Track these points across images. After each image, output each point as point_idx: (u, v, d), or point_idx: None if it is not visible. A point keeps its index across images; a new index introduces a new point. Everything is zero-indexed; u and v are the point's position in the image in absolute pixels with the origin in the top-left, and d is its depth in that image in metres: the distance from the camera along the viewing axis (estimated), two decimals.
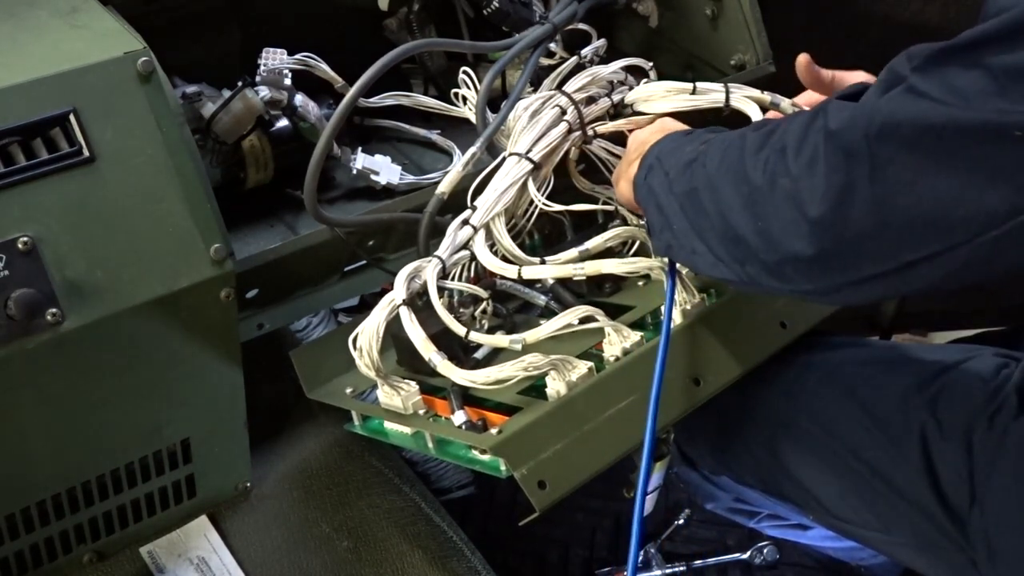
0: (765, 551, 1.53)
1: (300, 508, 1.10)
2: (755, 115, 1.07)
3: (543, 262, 1.02)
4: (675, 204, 0.90)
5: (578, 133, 1.11)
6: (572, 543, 1.60)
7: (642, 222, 1.07)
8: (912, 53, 0.74)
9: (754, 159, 0.82)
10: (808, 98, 1.12)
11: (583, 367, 0.94)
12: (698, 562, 1.54)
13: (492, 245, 1.02)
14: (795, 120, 0.80)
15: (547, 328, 0.95)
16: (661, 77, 1.18)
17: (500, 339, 0.95)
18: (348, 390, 1.06)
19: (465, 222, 1.02)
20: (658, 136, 1.03)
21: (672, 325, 0.97)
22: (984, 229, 0.70)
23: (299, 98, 1.12)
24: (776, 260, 0.80)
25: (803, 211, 0.76)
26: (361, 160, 1.13)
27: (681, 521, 1.59)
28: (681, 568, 1.53)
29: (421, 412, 0.98)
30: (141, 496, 1.03)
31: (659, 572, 1.52)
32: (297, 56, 1.11)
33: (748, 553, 1.54)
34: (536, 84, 1.19)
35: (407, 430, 0.99)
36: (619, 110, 1.15)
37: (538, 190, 1.05)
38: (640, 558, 1.55)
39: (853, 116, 0.74)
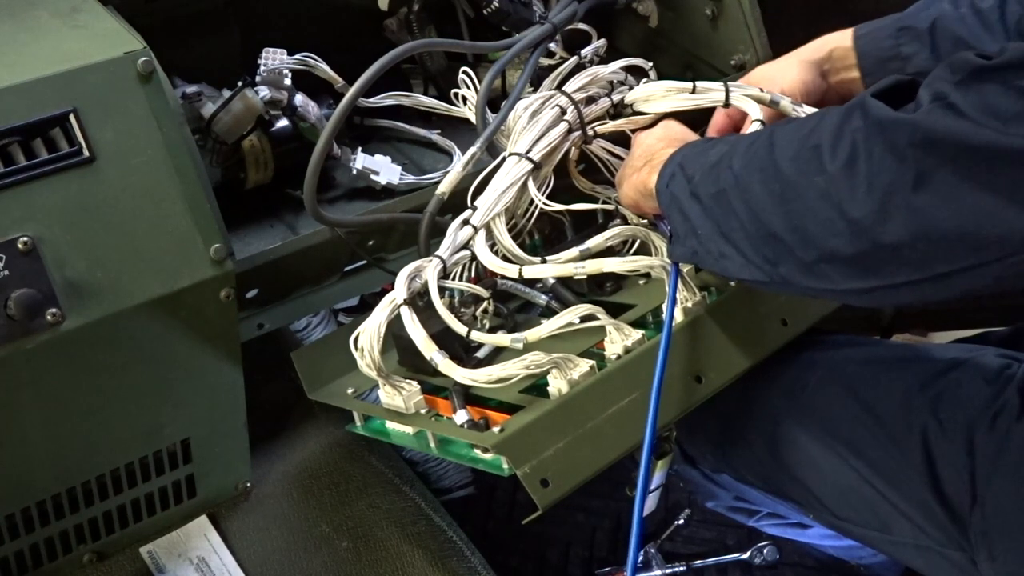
0: (765, 551, 1.53)
1: (300, 508, 1.10)
2: (755, 114, 1.07)
3: (544, 261, 1.02)
4: (700, 208, 0.89)
5: (578, 133, 1.11)
6: (572, 543, 1.60)
7: (643, 221, 1.07)
8: (955, 64, 0.73)
9: (785, 156, 0.81)
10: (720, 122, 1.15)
11: (585, 365, 0.94)
12: (698, 562, 1.54)
13: (492, 245, 1.02)
14: (827, 117, 0.80)
15: (548, 327, 0.95)
16: (661, 77, 1.18)
17: (501, 338, 0.95)
18: (349, 390, 1.06)
19: (465, 222, 1.02)
20: (663, 138, 1.03)
21: (673, 323, 0.97)
22: (1018, 250, 0.71)
23: (299, 98, 1.12)
24: (813, 258, 0.80)
25: (842, 210, 0.76)
26: (361, 160, 1.13)
27: (681, 521, 1.59)
28: (681, 568, 1.53)
29: (423, 412, 0.98)
30: (141, 496, 1.03)
31: (659, 572, 1.52)
32: (297, 56, 1.11)
33: (748, 553, 1.54)
34: (536, 84, 1.19)
35: (409, 430, 0.99)
36: (619, 110, 1.14)
37: (538, 190, 1.04)
38: (640, 558, 1.55)
39: (898, 120, 0.74)
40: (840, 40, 1.15)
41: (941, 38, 1.10)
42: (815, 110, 1.12)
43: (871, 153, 0.74)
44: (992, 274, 0.73)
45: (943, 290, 0.76)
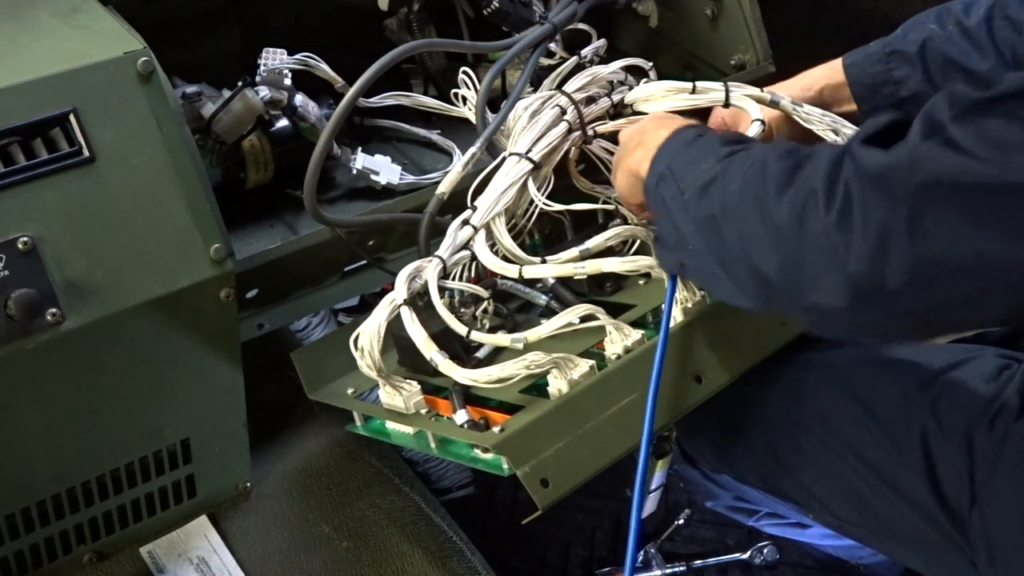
0: (765, 551, 1.53)
1: (300, 508, 1.10)
2: (755, 113, 1.07)
3: (544, 261, 1.01)
4: (692, 226, 0.87)
5: (578, 133, 1.11)
6: (572, 543, 1.60)
7: (643, 221, 1.07)
8: (953, 98, 0.71)
9: (779, 196, 0.78)
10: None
11: (585, 365, 0.94)
12: (698, 562, 1.54)
13: (492, 245, 1.02)
14: (820, 158, 0.77)
15: (548, 327, 0.95)
16: (661, 77, 1.18)
17: (501, 338, 0.95)
18: (349, 391, 1.06)
19: (465, 222, 1.02)
20: (654, 118, 1.01)
21: (673, 323, 0.97)
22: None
23: (299, 98, 1.12)
24: (808, 305, 0.78)
25: (838, 263, 0.73)
26: (361, 160, 1.13)
27: (681, 521, 1.59)
28: (681, 568, 1.53)
29: (423, 412, 0.98)
30: (141, 496, 1.03)
31: (659, 572, 1.52)
32: (297, 56, 1.11)
33: (748, 553, 1.54)
34: (536, 84, 1.19)
35: (409, 430, 0.99)
36: (619, 110, 1.14)
37: (538, 190, 1.04)
38: (640, 558, 1.55)
39: (891, 164, 0.72)
40: (829, 76, 1.16)
41: (931, 59, 1.10)
42: (817, 110, 1.12)
43: (865, 203, 0.72)
44: (997, 310, 0.72)
45: (945, 327, 0.75)
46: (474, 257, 1.02)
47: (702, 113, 1.15)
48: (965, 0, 1.12)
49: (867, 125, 0.79)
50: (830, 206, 0.74)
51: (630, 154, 0.99)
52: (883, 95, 1.13)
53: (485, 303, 1.05)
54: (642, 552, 1.55)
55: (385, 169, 1.14)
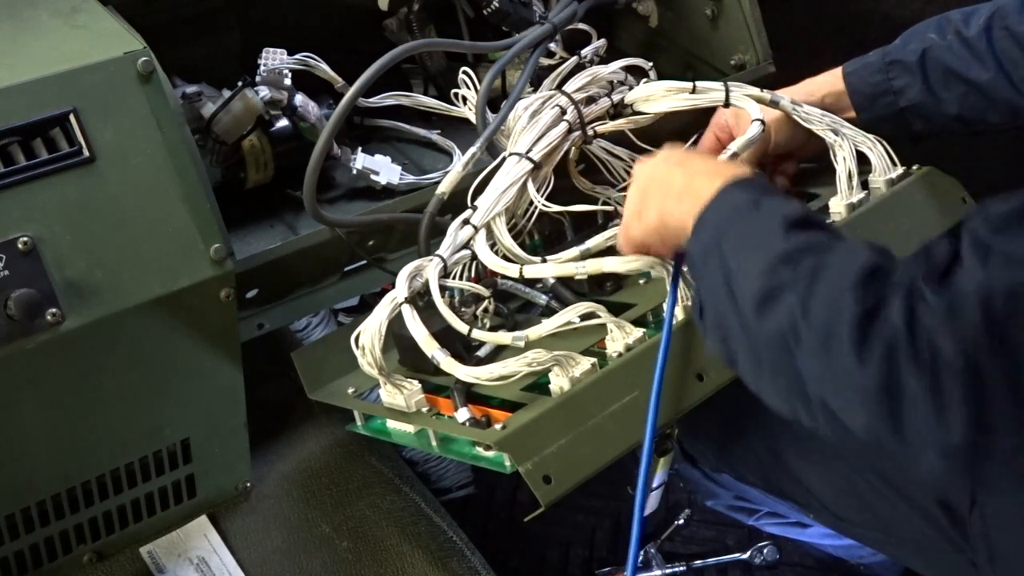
0: (765, 551, 1.53)
1: (300, 508, 1.10)
2: (755, 113, 1.07)
3: (544, 261, 1.02)
4: (737, 322, 0.79)
5: (578, 133, 1.11)
6: (572, 543, 1.60)
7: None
8: (989, 215, 0.70)
9: (860, 356, 0.71)
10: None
11: (586, 363, 0.94)
12: (698, 562, 1.54)
13: (493, 244, 1.02)
14: (891, 309, 0.70)
15: (549, 324, 0.95)
16: (661, 77, 1.18)
17: (503, 336, 0.95)
18: (350, 390, 1.06)
19: (466, 222, 1.02)
20: (707, 168, 0.90)
21: (674, 321, 0.97)
22: None
23: (299, 98, 1.12)
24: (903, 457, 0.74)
25: (941, 435, 0.69)
26: (361, 160, 1.13)
27: (681, 521, 1.59)
28: (681, 568, 1.53)
29: (424, 410, 0.98)
30: (141, 496, 1.03)
31: (659, 572, 1.52)
32: (297, 56, 1.11)
33: (748, 553, 1.54)
34: (536, 84, 1.19)
35: (410, 428, 0.99)
36: (619, 110, 1.14)
37: (538, 190, 1.04)
38: (640, 558, 1.55)
39: (954, 310, 0.68)
40: (831, 83, 1.16)
41: (931, 69, 1.11)
42: (816, 110, 1.12)
43: (952, 372, 0.67)
44: None
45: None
46: (475, 256, 1.02)
47: (705, 113, 1.15)
48: (965, 10, 1.12)
49: (930, 263, 0.72)
50: (920, 371, 0.68)
51: (672, 198, 0.89)
52: (882, 104, 1.13)
53: (486, 302, 1.05)
54: (642, 552, 1.55)
55: (385, 169, 1.14)
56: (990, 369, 0.67)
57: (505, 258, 1.02)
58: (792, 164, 1.21)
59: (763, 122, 1.06)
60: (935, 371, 0.68)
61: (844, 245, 0.77)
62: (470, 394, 0.97)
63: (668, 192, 0.89)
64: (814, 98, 1.15)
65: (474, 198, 1.04)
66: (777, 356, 0.76)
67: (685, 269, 0.94)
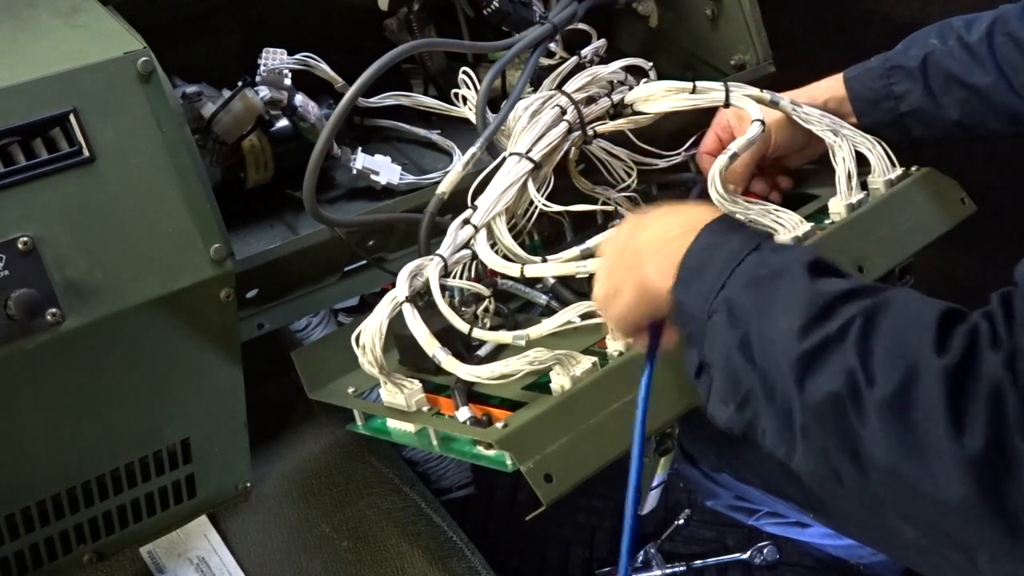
0: (765, 551, 1.53)
1: (300, 508, 1.10)
2: (755, 113, 1.07)
3: (544, 261, 1.02)
4: (763, 394, 0.73)
5: (578, 133, 1.11)
6: (572, 543, 1.60)
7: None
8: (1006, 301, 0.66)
9: (956, 420, 0.63)
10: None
11: (587, 362, 0.94)
12: (698, 562, 1.54)
13: (493, 244, 1.02)
14: (934, 387, 0.64)
15: (550, 323, 0.95)
16: (661, 77, 1.18)
17: (503, 335, 0.95)
18: (350, 390, 1.06)
19: (466, 221, 1.02)
20: (670, 219, 0.84)
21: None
22: None
23: (299, 98, 1.12)
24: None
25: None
26: (361, 160, 1.13)
27: (681, 521, 1.59)
28: (681, 568, 1.53)
29: (425, 409, 0.98)
30: (141, 496, 1.03)
31: (659, 572, 1.52)
32: (297, 56, 1.11)
33: (748, 553, 1.54)
34: (536, 84, 1.19)
35: (411, 427, 0.99)
36: (619, 110, 1.14)
37: (538, 190, 1.04)
38: (640, 558, 1.55)
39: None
40: (833, 88, 1.16)
41: (932, 74, 1.11)
42: (815, 111, 1.12)
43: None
44: None
45: None
46: (475, 256, 1.02)
47: (705, 113, 1.15)
48: (967, 17, 1.12)
49: (1008, 311, 0.67)
50: (972, 435, 0.63)
51: (640, 265, 0.82)
52: (883, 109, 1.14)
53: (486, 302, 1.05)
54: (642, 552, 1.55)
55: (385, 169, 1.14)
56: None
57: (505, 258, 1.02)
58: (793, 164, 1.21)
59: (763, 122, 1.06)
60: (990, 439, 0.61)
61: (893, 292, 0.70)
62: (471, 393, 0.97)
63: (639, 259, 0.83)
64: (816, 103, 1.15)
65: (474, 198, 1.04)
66: (829, 425, 0.68)
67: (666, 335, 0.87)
